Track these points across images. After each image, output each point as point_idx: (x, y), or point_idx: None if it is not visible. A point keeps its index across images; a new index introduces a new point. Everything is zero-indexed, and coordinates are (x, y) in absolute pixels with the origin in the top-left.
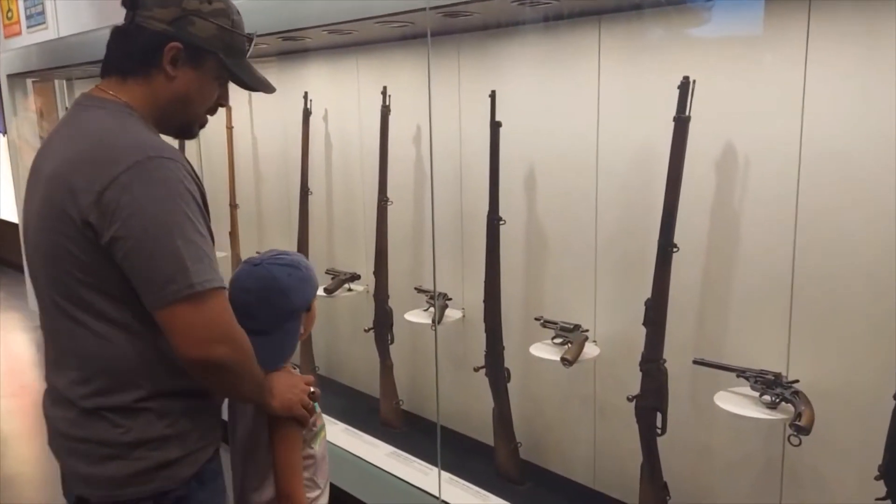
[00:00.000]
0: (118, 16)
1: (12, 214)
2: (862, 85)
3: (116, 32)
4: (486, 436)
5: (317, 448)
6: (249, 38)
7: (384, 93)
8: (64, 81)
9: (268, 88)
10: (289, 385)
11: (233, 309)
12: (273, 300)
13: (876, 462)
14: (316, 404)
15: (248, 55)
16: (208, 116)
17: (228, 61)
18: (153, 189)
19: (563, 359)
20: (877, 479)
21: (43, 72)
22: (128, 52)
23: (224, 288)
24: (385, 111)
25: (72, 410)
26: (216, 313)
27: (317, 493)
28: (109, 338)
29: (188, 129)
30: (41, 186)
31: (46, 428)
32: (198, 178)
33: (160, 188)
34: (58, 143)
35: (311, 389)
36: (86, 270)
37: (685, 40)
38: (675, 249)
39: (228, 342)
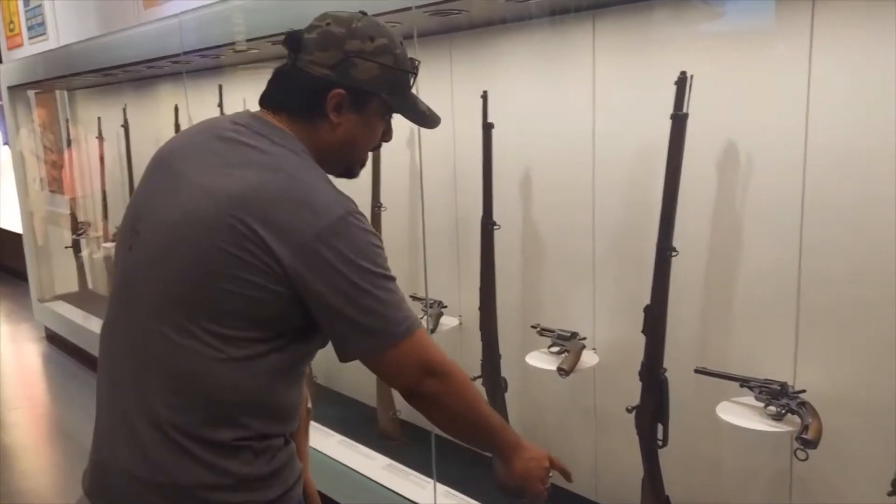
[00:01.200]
0: (119, 22)
1: (15, 224)
2: (869, 80)
3: (278, 73)
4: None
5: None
6: (413, 71)
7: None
8: (66, 92)
9: (433, 123)
10: (537, 456)
11: None
12: None
13: (890, 475)
14: None
15: (411, 89)
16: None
17: (392, 100)
18: (356, 245)
19: (559, 369)
20: (890, 494)
21: (43, 82)
22: (290, 95)
23: (421, 326)
24: None
25: (157, 450)
26: (417, 350)
27: None
28: (233, 363)
29: (351, 170)
30: (202, 198)
31: (95, 473)
32: None
33: (362, 244)
34: (229, 160)
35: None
36: (246, 294)
37: (684, 35)
38: (674, 253)
39: (437, 374)
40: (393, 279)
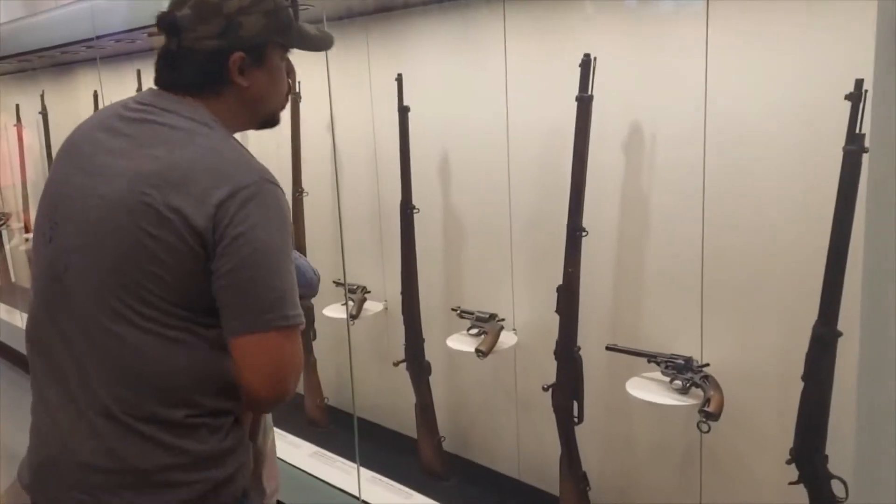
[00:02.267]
0: (38, 5)
1: None
2: (762, 61)
3: (165, 57)
4: (412, 430)
5: (268, 443)
6: (291, 4)
7: (293, 79)
8: None
9: (327, 44)
10: None
11: None
12: None
13: (789, 444)
14: None
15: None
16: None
17: (285, 39)
18: (266, 214)
19: (477, 350)
20: (788, 462)
21: None
22: (187, 75)
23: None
24: (295, 99)
25: (106, 438)
26: (297, 349)
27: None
28: (172, 346)
29: (272, 119)
30: (115, 181)
31: (34, 467)
32: None
33: (272, 214)
34: (140, 140)
35: None
36: (168, 275)
37: (590, 19)
38: (584, 233)
39: (296, 379)
40: (293, 265)
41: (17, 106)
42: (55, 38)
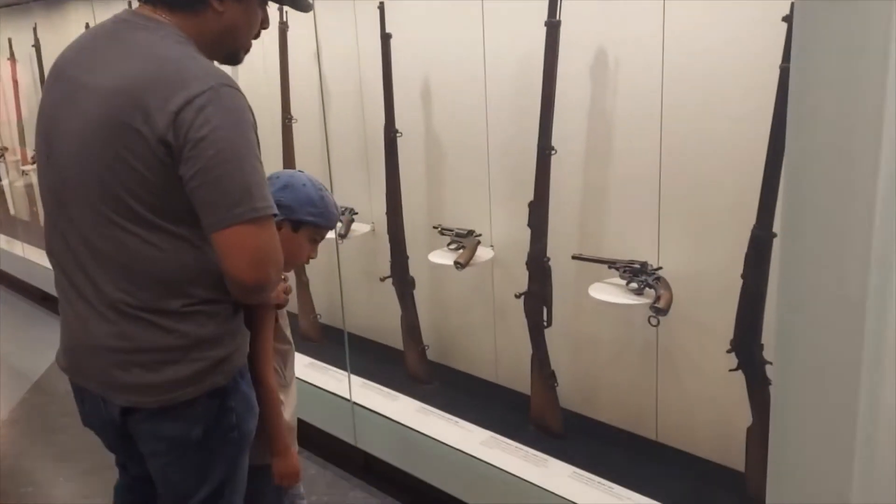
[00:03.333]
0: None
1: None
2: None
3: None
4: (399, 343)
5: (287, 339)
6: None
7: (280, 8)
8: None
9: (307, 6)
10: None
11: None
12: (276, 185)
13: (730, 336)
14: None
15: None
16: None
17: None
18: (225, 115)
19: (455, 263)
20: (728, 352)
21: None
22: None
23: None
24: (282, 28)
25: (118, 324)
26: (271, 237)
27: (284, 385)
28: (163, 248)
29: (235, 56)
30: (94, 100)
31: (68, 353)
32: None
33: (231, 115)
34: (112, 58)
35: (283, 275)
36: (148, 185)
37: None
38: (553, 152)
39: (276, 266)
40: (260, 161)
41: (10, 40)
42: None
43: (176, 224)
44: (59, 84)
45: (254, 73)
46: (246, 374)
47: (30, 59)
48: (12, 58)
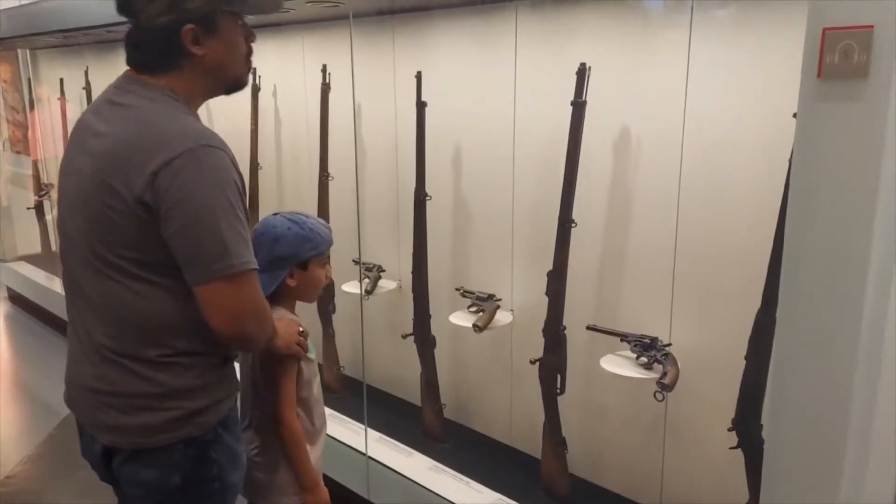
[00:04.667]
0: None
1: None
2: (738, 72)
3: (130, 35)
4: (417, 398)
5: (314, 390)
6: None
7: (324, 71)
8: (28, 51)
9: (276, 6)
10: (286, 327)
11: None
12: (265, 242)
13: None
14: (311, 348)
15: None
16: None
17: (235, 7)
18: (202, 176)
19: (474, 325)
20: (729, 430)
21: (5, 40)
22: (148, 53)
23: (257, 269)
24: (325, 89)
25: (99, 366)
26: (250, 292)
27: (312, 432)
28: (145, 297)
29: (237, 83)
30: (89, 160)
31: (67, 385)
32: (238, 166)
33: (208, 175)
34: (110, 122)
35: (301, 329)
36: (129, 241)
37: (589, 28)
38: (573, 225)
39: (256, 320)
40: (240, 219)
41: (62, 80)
42: (101, 17)
43: (158, 275)
44: (75, 138)
45: (297, 130)
46: (232, 426)
47: (79, 100)
48: (63, 97)
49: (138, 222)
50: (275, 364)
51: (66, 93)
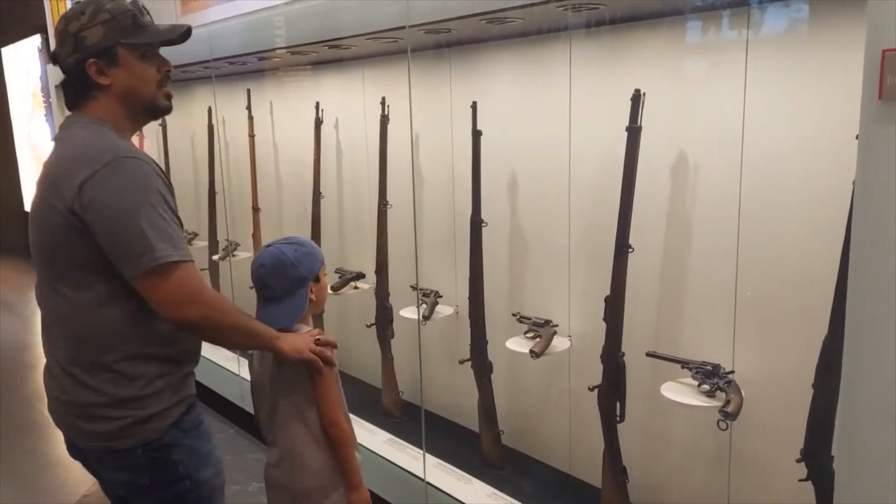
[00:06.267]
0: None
1: None
2: (796, 93)
3: (62, 83)
4: (474, 424)
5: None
6: (135, 9)
7: (383, 103)
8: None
9: (174, 33)
10: (297, 336)
11: (253, 281)
12: (283, 270)
13: (800, 445)
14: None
15: (143, 23)
16: (167, 89)
17: (132, 39)
18: (124, 181)
19: (531, 351)
20: (798, 461)
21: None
22: (70, 91)
23: (188, 261)
24: (384, 121)
25: (61, 379)
26: (181, 280)
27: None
28: (88, 307)
29: (155, 106)
30: (39, 187)
31: (46, 396)
32: (164, 174)
33: (131, 180)
34: (53, 154)
35: (317, 336)
36: (70, 250)
37: (644, 55)
38: (630, 250)
39: (196, 304)
40: (164, 218)
41: None
42: (176, 58)
43: (96, 284)
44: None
45: (357, 160)
46: (191, 428)
47: (156, 136)
48: (140, 133)
49: (74, 232)
50: (314, 376)
51: (144, 129)
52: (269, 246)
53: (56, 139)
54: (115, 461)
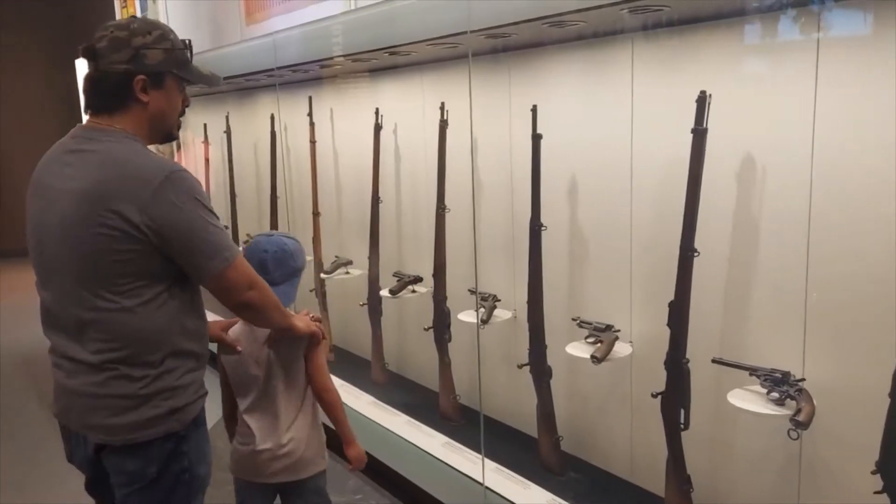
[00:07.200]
0: (225, 37)
1: None
2: (869, 94)
3: (89, 79)
4: (533, 429)
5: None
6: (188, 48)
7: (442, 108)
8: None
9: (215, 81)
10: (300, 316)
11: (252, 264)
12: (284, 259)
13: (875, 456)
14: None
15: (192, 59)
16: (181, 119)
17: (181, 73)
18: (181, 196)
19: (592, 356)
20: (873, 473)
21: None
22: (105, 95)
23: (240, 253)
24: (442, 125)
25: (98, 375)
26: (243, 270)
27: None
28: (135, 312)
29: (170, 134)
30: (66, 201)
31: (58, 400)
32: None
33: (186, 195)
34: (82, 167)
35: (312, 315)
36: (123, 261)
37: (708, 57)
38: (695, 254)
39: (254, 287)
40: (217, 219)
41: (205, 125)
42: (241, 67)
43: (152, 288)
44: (38, 192)
45: (416, 165)
46: (201, 424)
47: (221, 143)
48: (206, 140)
49: (136, 245)
50: (312, 348)
51: (209, 136)
52: (269, 235)
53: (74, 150)
54: (133, 451)
